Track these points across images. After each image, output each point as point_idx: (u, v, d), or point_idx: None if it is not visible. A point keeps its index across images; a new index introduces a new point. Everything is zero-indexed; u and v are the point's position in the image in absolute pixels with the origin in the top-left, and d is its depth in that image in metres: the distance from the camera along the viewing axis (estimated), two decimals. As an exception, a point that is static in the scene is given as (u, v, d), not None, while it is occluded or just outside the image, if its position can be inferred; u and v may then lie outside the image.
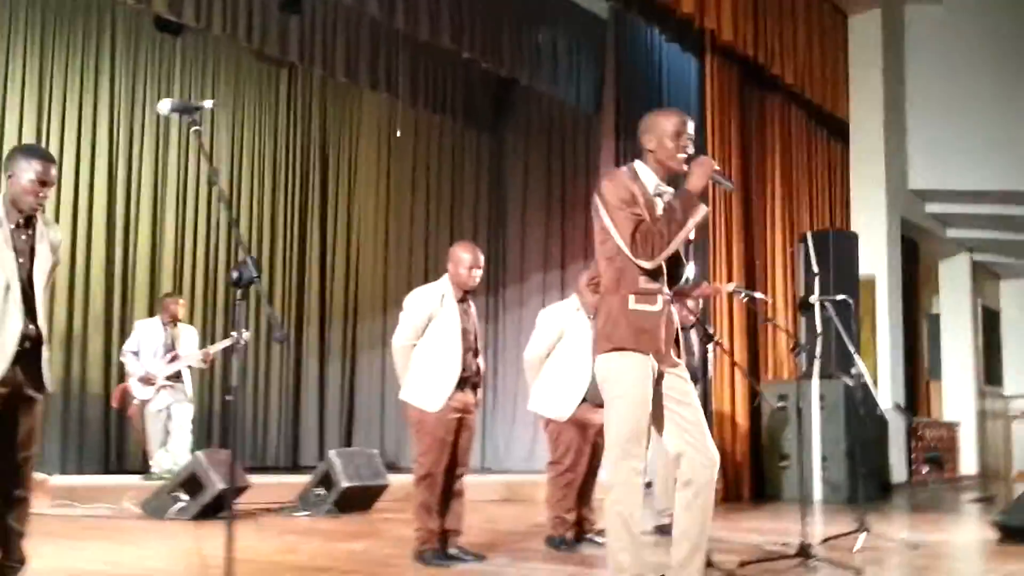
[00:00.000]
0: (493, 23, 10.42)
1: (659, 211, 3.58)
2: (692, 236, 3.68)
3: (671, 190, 3.65)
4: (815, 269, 9.32)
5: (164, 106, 3.19)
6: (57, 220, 8.60)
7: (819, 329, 8.71)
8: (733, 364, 8.51)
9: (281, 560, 5.12)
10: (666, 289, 3.62)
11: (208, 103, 3.16)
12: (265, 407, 12.08)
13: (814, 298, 7.87)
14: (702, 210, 3.57)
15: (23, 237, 3.75)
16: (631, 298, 3.55)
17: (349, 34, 10.72)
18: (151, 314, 9.98)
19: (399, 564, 5.04)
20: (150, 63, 11.40)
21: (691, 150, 3.66)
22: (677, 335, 3.69)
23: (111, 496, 7.65)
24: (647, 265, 3.53)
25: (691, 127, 3.68)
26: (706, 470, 3.55)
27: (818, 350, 8.83)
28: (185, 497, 6.93)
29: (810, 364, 9.08)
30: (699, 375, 7.18)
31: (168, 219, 11.34)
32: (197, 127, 3.12)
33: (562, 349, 6.15)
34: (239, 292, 3.03)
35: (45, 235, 3.83)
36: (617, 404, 3.57)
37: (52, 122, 10.57)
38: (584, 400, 6.03)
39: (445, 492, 5.26)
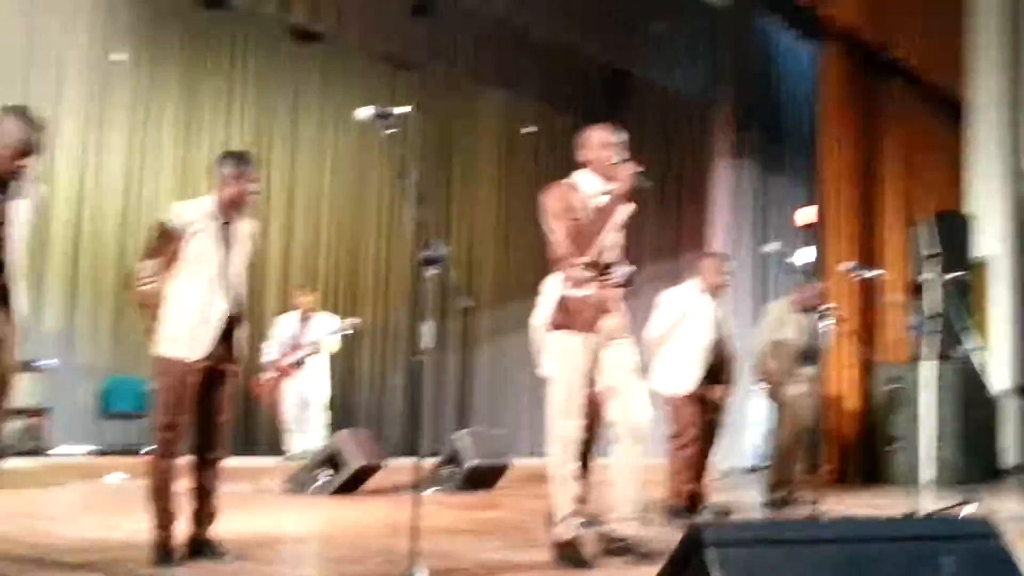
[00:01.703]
0: (610, 17, 10.73)
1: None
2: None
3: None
4: (930, 251, 9.38)
5: (364, 112, 3.69)
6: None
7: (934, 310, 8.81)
8: (853, 333, 8.72)
9: (426, 526, 5.61)
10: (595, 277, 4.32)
11: (405, 108, 3.64)
12: (384, 396, 12.72)
13: (931, 276, 7.98)
14: (624, 208, 4.33)
15: (228, 232, 4.32)
16: (566, 284, 4.31)
17: (474, 35, 11.19)
18: (283, 306, 10.68)
19: (533, 528, 5.46)
20: (286, 71, 12.11)
21: (617, 158, 4.41)
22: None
23: (248, 476, 8.27)
24: (582, 259, 4.27)
25: (617, 139, 4.46)
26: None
27: (927, 332, 8.91)
28: (327, 473, 7.49)
29: (924, 345, 9.16)
30: (816, 355, 7.44)
31: (298, 218, 12.03)
32: (393, 130, 3.60)
33: (684, 329, 6.49)
34: (431, 269, 3.51)
35: (243, 228, 4.40)
36: (555, 375, 4.32)
37: (202, 131, 11.38)
38: (704, 377, 6.40)
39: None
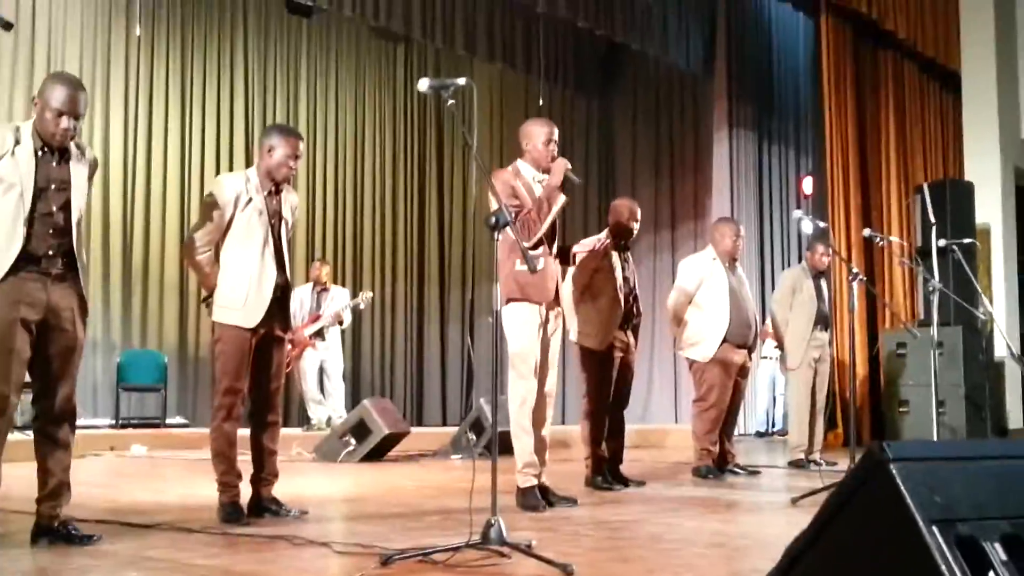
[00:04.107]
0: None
1: (537, 194, 4.73)
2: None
3: (545, 177, 4.79)
4: (932, 219, 9.53)
5: (423, 84, 3.73)
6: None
7: (938, 276, 8.95)
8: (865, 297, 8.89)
9: (466, 487, 5.68)
10: (540, 255, 4.70)
11: (462, 80, 3.67)
12: (391, 369, 12.77)
13: (942, 242, 8.11)
14: (561, 199, 4.72)
15: (274, 203, 4.37)
16: (517, 262, 4.65)
17: (467, 8, 11.23)
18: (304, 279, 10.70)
19: (574, 489, 5.56)
20: (279, 44, 12.12)
21: (555, 152, 4.83)
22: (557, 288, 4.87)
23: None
24: (527, 244, 4.58)
25: (556, 134, 4.86)
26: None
27: (936, 297, 9.05)
28: (353, 441, 7.58)
29: (929, 310, 9.32)
30: (828, 321, 7.58)
31: (298, 190, 12.02)
32: (452, 101, 3.64)
33: (702, 295, 6.62)
34: (496, 234, 3.57)
35: (287, 200, 4.46)
36: (512, 342, 4.72)
37: (198, 104, 11.38)
38: (725, 341, 6.53)
39: (609, 427, 5.82)
